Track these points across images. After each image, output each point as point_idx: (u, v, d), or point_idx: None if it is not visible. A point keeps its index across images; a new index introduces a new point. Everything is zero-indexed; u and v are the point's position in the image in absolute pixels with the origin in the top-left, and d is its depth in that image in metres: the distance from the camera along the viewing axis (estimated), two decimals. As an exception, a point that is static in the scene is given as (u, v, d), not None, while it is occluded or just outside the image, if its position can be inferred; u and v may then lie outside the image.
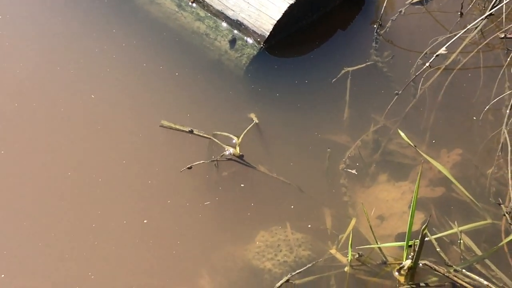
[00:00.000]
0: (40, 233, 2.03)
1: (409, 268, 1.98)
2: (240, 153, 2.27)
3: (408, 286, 1.97)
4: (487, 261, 1.99)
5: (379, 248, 2.02)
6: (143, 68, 2.45)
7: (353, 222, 2.10)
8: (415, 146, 2.27)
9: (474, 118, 2.36)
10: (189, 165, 2.23)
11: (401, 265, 1.98)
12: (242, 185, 2.19)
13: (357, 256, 2.03)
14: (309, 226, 2.14)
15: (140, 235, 2.08)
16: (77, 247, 2.02)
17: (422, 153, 2.24)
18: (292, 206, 2.18)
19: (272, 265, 2.05)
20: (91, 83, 2.35)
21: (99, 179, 2.16)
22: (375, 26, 2.60)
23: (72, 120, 2.26)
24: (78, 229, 2.05)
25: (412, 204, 1.92)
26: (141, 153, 2.27)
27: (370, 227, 2.00)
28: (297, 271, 1.99)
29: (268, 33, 2.41)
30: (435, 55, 2.43)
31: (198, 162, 2.24)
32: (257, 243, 2.08)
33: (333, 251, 2.05)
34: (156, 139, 2.31)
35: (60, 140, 2.21)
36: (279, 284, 1.95)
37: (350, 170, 2.19)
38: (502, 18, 2.50)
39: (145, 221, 2.11)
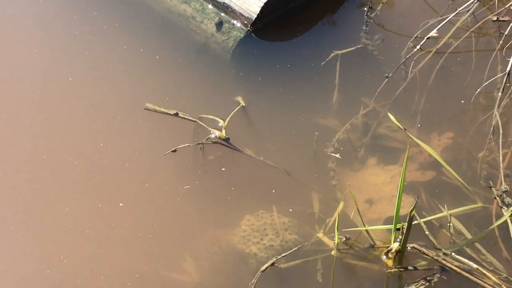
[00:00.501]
0: (11, 217, 2.02)
1: (397, 252, 1.96)
2: (226, 136, 2.26)
3: (396, 269, 1.96)
4: (477, 244, 1.98)
5: (367, 231, 2.01)
6: (124, 51, 2.44)
7: (340, 205, 2.10)
8: (405, 129, 2.26)
9: (463, 101, 2.36)
10: (174, 148, 2.23)
11: (388, 248, 1.97)
12: (223, 169, 2.19)
13: (345, 239, 2.02)
14: (296, 210, 2.14)
15: (116, 219, 2.07)
16: (50, 231, 2.01)
17: (412, 137, 2.24)
18: (279, 190, 2.18)
19: (258, 249, 2.04)
20: (69, 66, 2.34)
21: (75, 162, 2.15)
22: (365, 9, 2.60)
23: (49, 103, 2.25)
24: (51, 213, 2.04)
25: (399, 186, 1.91)
26: (123, 136, 2.27)
27: (358, 210, 1.98)
28: (283, 254, 1.98)
29: (256, 16, 2.40)
30: (426, 38, 2.43)
31: (183, 145, 2.23)
32: (243, 227, 2.07)
33: (320, 235, 2.04)
34: (139, 122, 2.31)
35: (35, 122, 2.21)
36: (264, 267, 1.94)
37: (334, 154, 2.20)
38: (495, 1, 2.51)
39: (120, 204, 2.10)
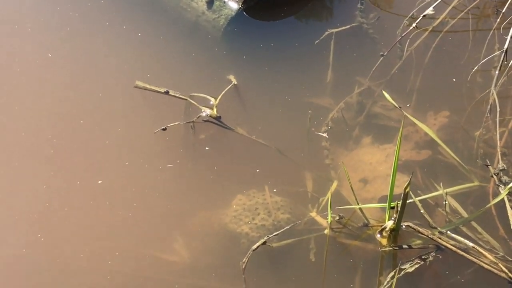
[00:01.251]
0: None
1: (391, 230, 1.97)
2: (218, 115, 2.26)
3: (391, 248, 1.96)
4: (473, 223, 1.98)
5: (361, 210, 2.01)
6: (111, 29, 2.44)
7: (334, 185, 2.10)
8: (400, 108, 2.26)
9: (459, 80, 2.35)
10: (164, 127, 2.22)
11: (383, 227, 1.97)
12: (214, 148, 2.19)
13: (338, 218, 2.02)
14: (289, 189, 2.13)
15: (95, 196, 2.07)
16: (26, 209, 2.01)
17: (408, 115, 2.23)
18: (271, 169, 2.17)
19: (250, 229, 2.04)
20: (50, 42, 2.33)
21: (54, 140, 2.15)
22: (360, -13, 2.63)
23: (28, 80, 2.25)
24: (27, 191, 2.04)
25: (393, 164, 1.91)
26: (108, 114, 2.27)
27: (352, 189, 1.98)
28: (275, 233, 1.98)
29: (248, -7, 2.43)
30: (421, 16, 2.41)
31: (173, 124, 2.23)
32: (234, 206, 2.08)
33: (313, 214, 2.05)
34: (128, 101, 2.30)
35: (13, 100, 2.20)
36: (255, 246, 1.94)
37: (321, 134, 2.20)
38: (492, -22, 2.52)
39: (99, 182, 2.10)
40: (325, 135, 2.18)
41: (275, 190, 2.13)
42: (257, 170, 2.17)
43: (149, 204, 2.10)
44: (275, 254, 1.99)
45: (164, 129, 2.21)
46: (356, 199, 2.00)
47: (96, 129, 2.22)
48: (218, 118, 2.26)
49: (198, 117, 2.25)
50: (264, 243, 1.96)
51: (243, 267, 1.91)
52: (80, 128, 2.19)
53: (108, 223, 2.03)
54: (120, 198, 2.09)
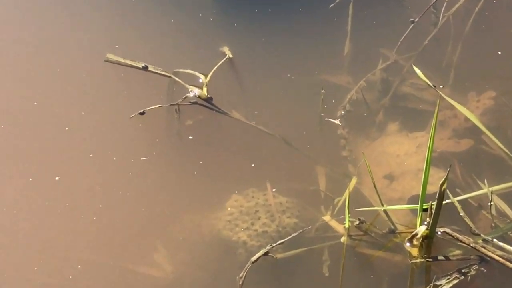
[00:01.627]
0: None
1: (424, 237, 1.95)
2: (209, 96, 2.25)
3: (423, 260, 1.95)
4: (526, 229, 2.02)
5: (386, 212, 2.01)
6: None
7: (353, 182, 2.10)
8: (435, 87, 2.25)
9: (504, 53, 2.35)
10: (142, 110, 2.21)
11: (413, 234, 1.97)
12: (190, 137, 2.18)
13: (358, 223, 2.01)
14: (297, 187, 2.12)
15: (51, 196, 2.05)
16: None
17: (444, 96, 2.23)
18: (275, 163, 2.17)
19: (248, 236, 2.04)
20: (15, 10, 2.38)
21: (1, 126, 2.16)
22: None
23: None
24: None
25: (426, 157, 1.88)
26: (72, 95, 2.26)
27: (375, 187, 1.98)
28: (279, 241, 1.96)
29: None
30: (461, -28, 2.42)
31: (153, 107, 2.22)
32: (229, 209, 2.07)
33: (326, 218, 2.05)
34: (97, 78, 2.30)
35: None
36: (255, 258, 1.92)
37: (333, 120, 2.20)
38: None
39: (56, 178, 2.09)
40: (337, 121, 2.18)
41: (279, 188, 2.12)
42: (258, 164, 2.16)
43: (120, 206, 2.09)
44: (279, 268, 1.98)
45: (142, 113, 2.20)
46: (380, 200, 2.00)
47: (54, 112, 2.21)
48: (209, 99, 2.25)
49: (184, 98, 2.24)
50: (266, 253, 1.95)
51: (240, 283, 1.90)
52: (34, 111, 2.19)
53: (68, 230, 2.02)
54: (82, 198, 2.09)
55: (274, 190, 2.12)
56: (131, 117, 2.21)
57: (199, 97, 2.25)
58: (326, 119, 2.21)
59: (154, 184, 2.13)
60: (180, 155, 2.19)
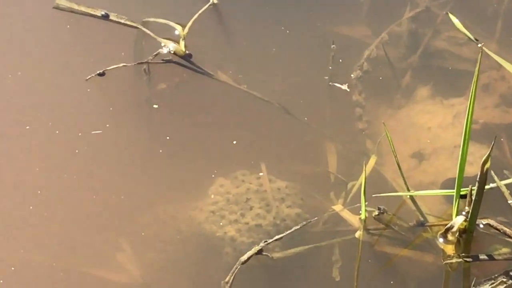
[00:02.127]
0: None
1: (462, 231, 1.96)
2: (187, 52, 2.25)
3: (460, 259, 1.96)
4: None
5: (413, 200, 2.01)
6: None
7: (372, 161, 2.11)
8: (477, 41, 2.26)
9: None
10: (100, 71, 2.21)
11: (448, 226, 1.96)
12: (155, 106, 2.19)
13: (377, 213, 2.02)
14: (300, 169, 2.12)
15: None
16: None
17: (489, 53, 2.23)
18: (271, 138, 2.17)
19: (237, 231, 2.04)
20: None
21: None
22: None
23: None
24: None
25: (464, 130, 1.88)
26: (8, 50, 2.27)
27: (400, 168, 1.99)
28: (276, 237, 1.97)
29: None
30: None
31: (115, 66, 2.22)
32: (212, 197, 2.08)
33: (337, 207, 2.05)
34: (43, 28, 2.32)
35: None
36: (245, 257, 1.93)
37: (339, 85, 2.21)
38: None
39: None
40: (344, 87, 2.20)
41: (277, 170, 2.12)
42: (249, 140, 2.16)
43: (66, 194, 2.09)
44: (277, 271, 1.99)
45: (101, 75, 2.21)
46: (406, 184, 2.00)
47: None
48: (187, 57, 2.25)
49: (156, 55, 2.24)
50: (260, 252, 1.95)
51: None
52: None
53: (9, 222, 2.05)
54: (15, 182, 2.08)
55: (270, 172, 2.12)
56: (87, 79, 2.21)
57: (174, 53, 2.25)
58: (331, 83, 2.23)
59: (114, 166, 2.13)
60: (150, 129, 2.19)
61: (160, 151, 2.16)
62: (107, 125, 2.17)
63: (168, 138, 2.16)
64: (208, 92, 2.23)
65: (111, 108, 2.18)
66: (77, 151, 2.14)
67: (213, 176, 2.12)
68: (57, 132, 2.16)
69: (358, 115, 2.21)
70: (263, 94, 2.22)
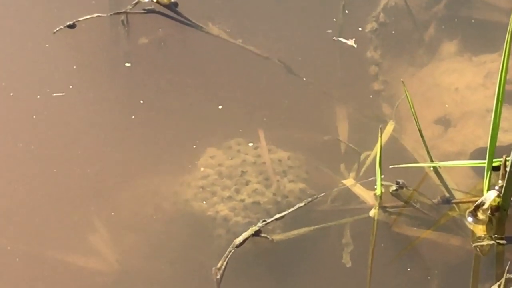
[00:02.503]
0: None
1: (495, 209, 1.96)
2: (172, 0, 2.28)
3: (493, 242, 1.97)
4: None
5: (437, 172, 2.03)
6: None
7: (389, 128, 2.13)
8: None
9: None
10: (71, 22, 2.23)
11: (478, 203, 1.96)
12: (127, 64, 2.20)
13: (395, 189, 2.03)
14: (304, 137, 2.13)
15: None
16: None
17: None
18: (271, 101, 2.19)
19: (231, 209, 2.04)
20: None
21: None
22: None
23: None
24: None
25: (497, 91, 1.87)
26: None
27: (422, 136, 1.99)
28: (276, 216, 1.98)
29: None
30: None
31: (88, 16, 2.24)
32: (202, 169, 2.09)
33: (349, 181, 2.07)
34: None
35: None
36: (240, 239, 1.93)
37: (344, 40, 2.22)
38: None
39: None
40: (351, 42, 2.21)
41: (277, 139, 2.13)
42: (245, 103, 2.18)
43: (20, 165, 2.10)
44: (277, 256, 2.00)
45: (72, 26, 2.23)
46: (429, 154, 2.01)
47: None
48: (173, 6, 2.27)
49: (136, 3, 2.26)
50: (258, 234, 1.96)
51: (218, 277, 1.91)
52: None
53: None
54: None
55: (269, 141, 2.13)
56: (54, 32, 2.22)
57: (157, 2, 2.26)
58: (335, 38, 2.24)
59: (80, 134, 2.14)
60: (129, 90, 2.21)
61: (137, 117, 2.17)
62: (71, 87, 2.18)
63: (147, 100, 2.17)
64: (197, 47, 2.25)
65: (74, 67, 2.19)
66: (34, 116, 2.15)
67: (202, 145, 2.13)
68: (11, 94, 2.18)
69: (373, 74, 2.22)
70: (261, 50, 2.23)
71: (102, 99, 2.18)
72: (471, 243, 1.99)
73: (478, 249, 1.98)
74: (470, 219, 2.01)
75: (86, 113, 2.17)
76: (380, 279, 1.98)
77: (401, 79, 2.13)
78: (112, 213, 2.06)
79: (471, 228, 2.00)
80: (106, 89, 2.20)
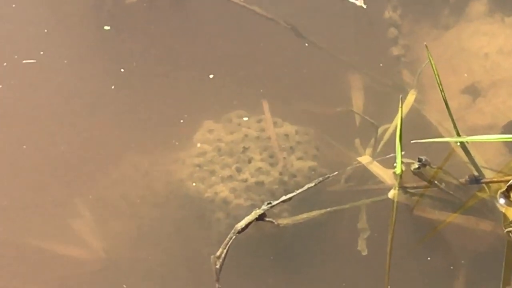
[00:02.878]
0: None
1: None
2: None
3: None
4: None
5: (464, 147, 2.04)
6: None
7: (410, 98, 2.14)
8: None
9: None
10: None
11: (511, 183, 1.97)
12: (106, 27, 2.21)
13: (417, 167, 2.03)
14: (314, 108, 2.15)
15: None
16: None
17: None
18: (276, 69, 2.20)
19: (231, 190, 2.06)
20: None
21: None
22: None
23: None
24: None
25: None
26: None
27: (447, 107, 1.99)
28: (283, 198, 1.98)
29: None
30: None
31: None
32: (199, 145, 2.10)
33: (365, 158, 2.08)
34: None
35: None
36: (242, 224, 1.94)
37: (352, 0, 2.23)
38: None
39: None
40: (359, 3, 2.22)
41: (284, 111, 2.14)
42: (248, 71, 2.19)
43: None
44: (284, 243, 2.01)
45: None
46: (455, 128, 2.01)
47: None
48: None
49: None
50: (262, 218, 1.97)
51: (217, 266, 1.92)
52: None
53: None
54: None
55: (275, 113, 2.13)
56: None
57: None
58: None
59: (56, 106, 2.16)
60: (113, 55, 2.22)
61: (118, 86, 2.19)
62: (42, 53, 2.20)
63: (130, 68, 2.19)
64: (192, 7, 2.26)
65: (45, 30, 2.20)
66: (0, 86, 2.16)
67: (198, 118, 2.14)
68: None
69: (392, 37, 2.23)
70: (266, 10, 2.24)
71: (78, 67, 2.21)
72: (503, 228, 2.00)
73: (510, 235, 1.98)
74: (501, 201, 2.02)
75: (60, 82, 2.19)
76: (400, 268, 1.99)
77: (424, 43, 2.09)
78: (97, 197, 2.07)
79: (503, 211, 2.01)
80: (83, 56, 2.21)
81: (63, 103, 2.16)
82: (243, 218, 1.97)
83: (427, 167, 2.04)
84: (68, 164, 2.10)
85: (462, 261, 1.99)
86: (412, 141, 2.02)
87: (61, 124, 2.13)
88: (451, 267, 1.99)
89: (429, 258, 2.00)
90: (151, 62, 2.21)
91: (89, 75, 2.18)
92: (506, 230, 1.99)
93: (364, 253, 1.99)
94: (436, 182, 2.04)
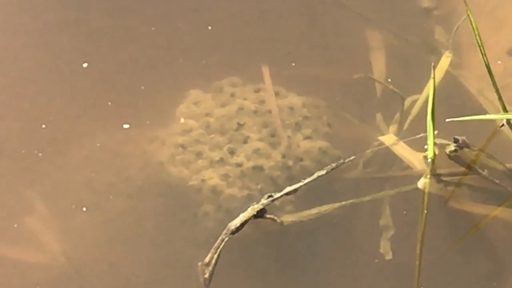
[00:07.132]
0: None
1: None
2: None
3: None
4: None
5: (511, 125, 1.97)
6: None
7: (444, 63, 2.10)
8: None
9: None
10: None
11: None
12: None
13: (453, 149, 1.97)
14: (326, 75, 2.09)
15: None
16: None
17: None
18: (278, 26, 2.16)
19: (223, 177, 2.01)
20: None
21: None
22: None
23: None
24: None
25: None
26: None
27: (490, 74, 1.92)
28: (287, 189, 1.89)
29: None
30: None
31: None
32: (182, 121, 2.07)
33: (388, 138, 2.02)
34: None
35: None
36: (237, 222, 1.90)
37: None
38: None
39: None
40: None
41: (288, 78, 2.09)
42: (243, 29, 2.15)
43: None
44: (288, 244, 1.94)
45: None
46: (501, 100, 1.95)
47: None
48: None
49: None
50: (261, 214, 1.89)
51: (206, 276, 1.86)
52: None
53: None
54: None
55: (277, 81, 2.07)
56: None
57: None
58: None
59: (19, 75, 2.17)
60: (77, 13, 2.19)
61: (86, 48, 2.18)
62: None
63: (101, 27, 2.20)
64: None
65: None
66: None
67: (182, 87, 2.11)
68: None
69: None
70: None
71: (42, 29, 2.22)
72: None
73: None
74: (557, 192, 1.95)
75: (20, 50, 2.19)
76: (432, 276, 1.94)
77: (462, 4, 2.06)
78: (55, 185, 2.01)
79: None
80: (47, 15, 2.21)
81: (22, 72, 2.20)
82: (237, 212, 1.98)
83: (466, 149, 1.97)
84: (23, 146, 2.07)
85: (510, 263, 1.93)
86: (447, 120, 1.96)
87: (19, 98, 2.18)
88: (496, 273, 1.92)
89: (468, 262, 1.92)
90: (124, 17, 2.22)
91: (55, 37, 2.21)
92: None
93: (388, 256, 1.95)
94: (477, 168, 1.99)
